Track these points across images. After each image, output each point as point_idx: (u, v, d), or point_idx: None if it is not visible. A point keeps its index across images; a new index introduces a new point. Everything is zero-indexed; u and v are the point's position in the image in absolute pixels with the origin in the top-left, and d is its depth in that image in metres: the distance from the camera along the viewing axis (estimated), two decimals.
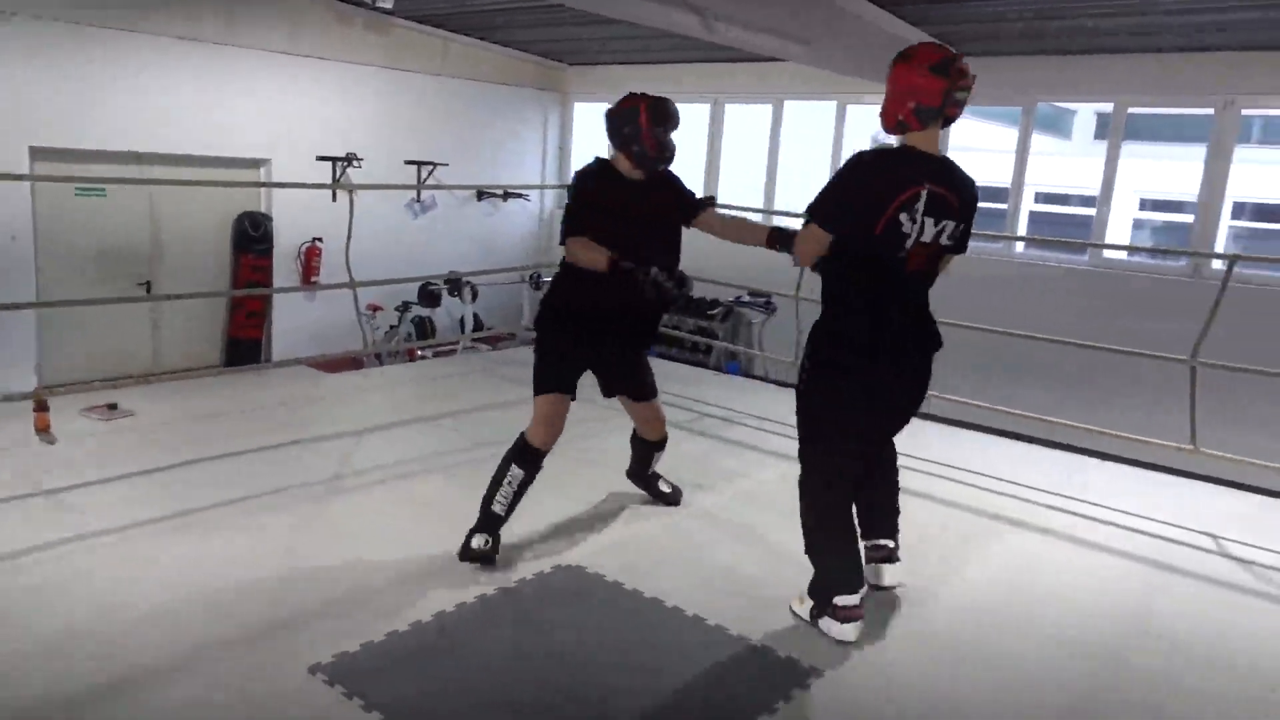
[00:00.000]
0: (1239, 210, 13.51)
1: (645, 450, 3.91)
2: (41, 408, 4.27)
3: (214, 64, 7.81)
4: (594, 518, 3.83)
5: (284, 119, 8.40)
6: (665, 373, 6.27)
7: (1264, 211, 13.56)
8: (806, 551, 3.01)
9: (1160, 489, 4.51)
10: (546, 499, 3.73)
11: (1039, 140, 12.79)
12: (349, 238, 5.82)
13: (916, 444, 5.06)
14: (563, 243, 3.29)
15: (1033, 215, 14.79)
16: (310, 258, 8.68)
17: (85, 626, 2.78)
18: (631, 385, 3.68)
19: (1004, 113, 10.26)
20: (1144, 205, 14.19)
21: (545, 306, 3.47)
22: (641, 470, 3.98)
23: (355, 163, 8.77)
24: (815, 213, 2.79)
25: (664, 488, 4.01)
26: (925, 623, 3.12)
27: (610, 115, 3.34)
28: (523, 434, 3.38)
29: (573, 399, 3.43)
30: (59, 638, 2.71)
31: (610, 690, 2.61)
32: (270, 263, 8.46)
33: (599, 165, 3.43)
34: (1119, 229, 13.96)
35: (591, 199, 3.31)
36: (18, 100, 6.78)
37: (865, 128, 12.05)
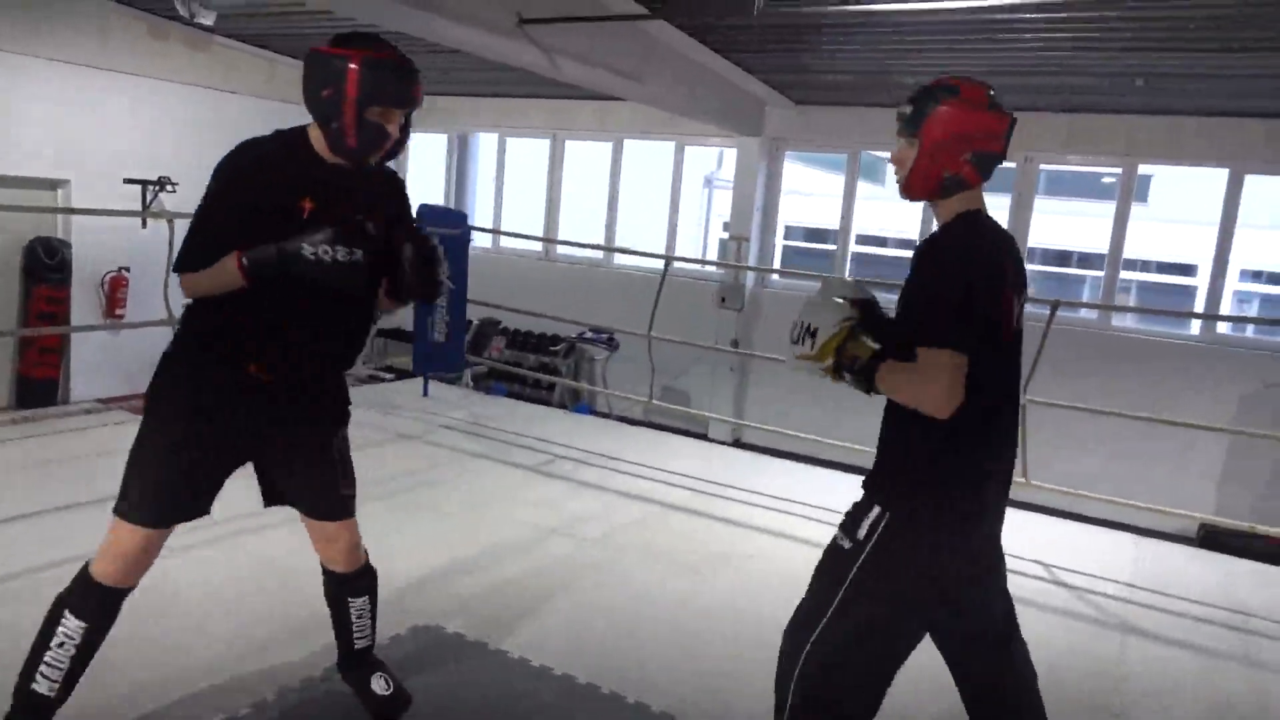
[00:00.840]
0: (1034, 255, 14.93)
1: (340, 596, 2.46)
2: None
3: (7, 72, 7.07)
4: (445, 570, 3.62)
5: (87, 136, 7.70)
6: (511, 411, 6.16)
7: (1057, 257, 15.05)
8: None
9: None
10: (387, 549, 3.49)
11: (861, 186, 13.59)
12: (169, 268, 5.34)
13: (756, 480, 5.14)
14: (178, 270, 2.15)
15: (856, 256, 15.68)
16: (115, 289, 7.96)
17: None
18: (310, 491, 2.35)
19: (830, 159, 10.83)
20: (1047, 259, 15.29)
21: (163, 361, 2.25)
22: (347, 648, 2.52)
23: (169, 187, 8.15)
24: (947, 335, 1.87)
25: (378, 686, 2.50)
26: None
27: (311, 62, 2.12)
28: (85, 568, 2.20)
29: (199, 515, 2.25)
30: None
31: None
32: (68, 294, 7.69)
33: (278, 139, 2.19)
34: None
35: (242, 196, 2.11)
36: None
37: (697, 166, 12.42)
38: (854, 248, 15.71)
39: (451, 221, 5.80)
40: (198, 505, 2.23)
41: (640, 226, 10.55)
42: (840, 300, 2.05)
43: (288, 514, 2.47)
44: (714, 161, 14.38)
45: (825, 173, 12.74)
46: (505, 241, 10.18)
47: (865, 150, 8.97)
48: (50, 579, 3.19)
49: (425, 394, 6.17)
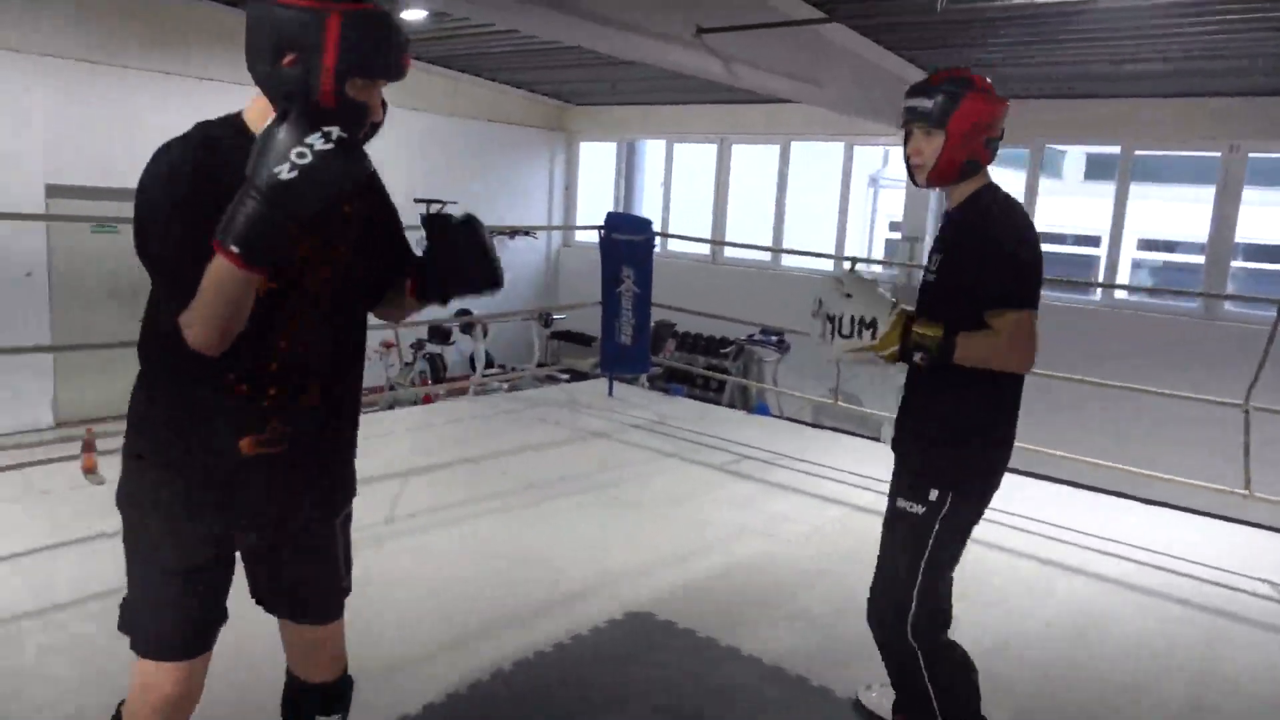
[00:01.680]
0: (1238, 251, 13.78)
1: (312, 714, 1.89)
2: (88, 448, 4.18)
3: (225, 101, 7.83)
4: (650, 563, 3.76)
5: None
6: (693, 411, 6.29)
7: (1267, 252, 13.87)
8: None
9: (1215, 534, 4.52)
10: (591, 541, 3.68)
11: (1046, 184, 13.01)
12: None
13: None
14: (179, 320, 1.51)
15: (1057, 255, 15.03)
16: None
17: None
18: (303, 588, 1.82)
19: (1007, 155, 10.43)
20: (1142, 245, 14.39)
21: (130, 456, 1.69)
22: None
23: None
24: (1025, 298, 2.14)
25: None
26: (993, 676, 3.09)
27: (260, 17, 1.51)
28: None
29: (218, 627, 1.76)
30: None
31: None
32: None
33: (203, 134, 1.57)
34: (1119, 269, 14.17)
35: (196, 204, 1.48)
36: (36, 138, 6.76)
37: (863, 166, 12.23)
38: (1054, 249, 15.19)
39: (637, 227, 5.99)
40: (210, 630, 1.75)
41: (806, 228, 10.52)
42: (882, 291, 2.21)
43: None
44: (879, 160, 14.12)
45: (1007, 170, 12.29)
46: (672, 245, 10.38)
47: (1049, 145, 8.61)
48: None
49: (610, 394, 6.40)
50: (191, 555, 1.67)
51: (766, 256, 9.91)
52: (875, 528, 4.11)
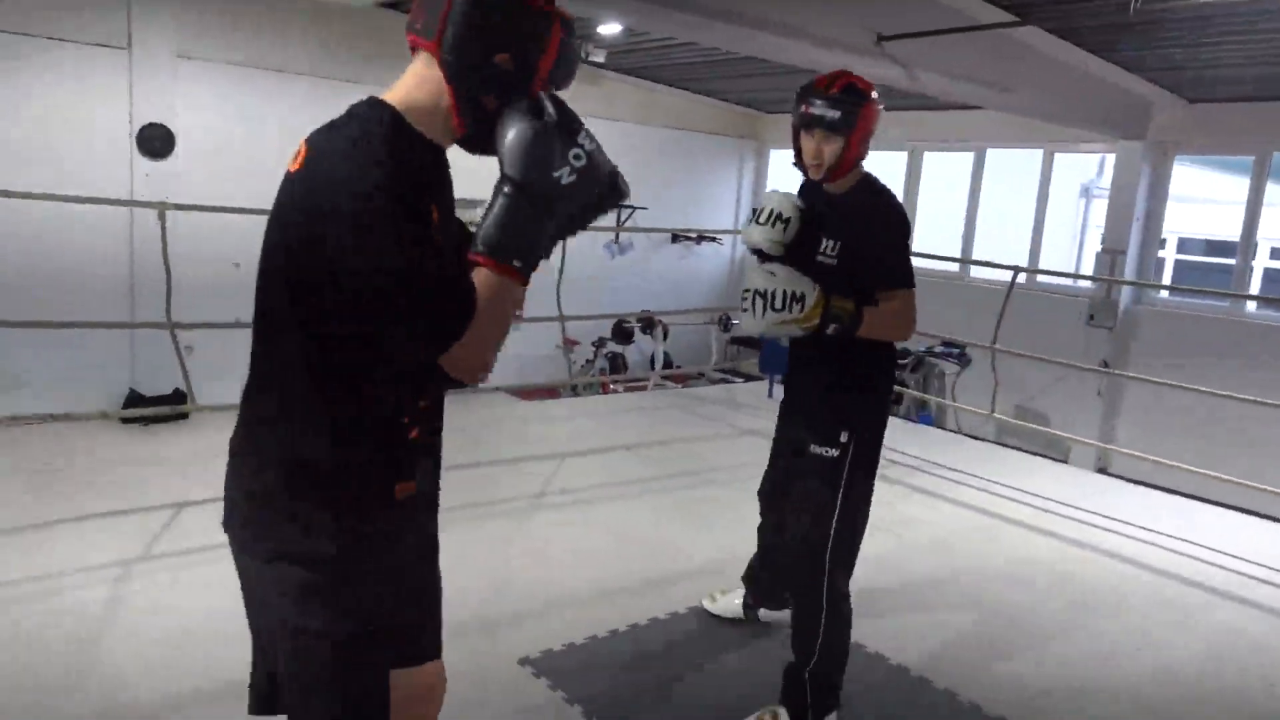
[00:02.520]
0: None
1: None
2: None
3: None
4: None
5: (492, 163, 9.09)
6: None
7: None
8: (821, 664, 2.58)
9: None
10: (737, 528, 3.86)
11: (1274, 191, 11.78)
12: (560, 274, 6.21)
13: (1112, 505, 4.86)
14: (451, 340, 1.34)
15: (1268, 272, 13.59)
16: None
17: None
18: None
19: (1235, 161, 9.58)
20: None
21: (308, 505, 1.41)
22: None
23: None
24: (909, 278, 2.56)
25: None
26: (1130, 689, 3.02)
27: (489, 8, 1.38)
28: None
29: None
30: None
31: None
32: None
33: (391, 131, 1.37)
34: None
35: (424, 214, 1.35)
36: (282, 146, 7.76)
37: (1073, 175, 11.57)
38: (1267, 262, 13.70)
39: None
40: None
41: (1006, 238, 10.11)
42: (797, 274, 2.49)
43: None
44: (1093, 169, 13.30)
45: (1234, 176, 11.27)
46: None
47: (1277, 151, 7.86)
48: None
49: (770, 395, 6.55)
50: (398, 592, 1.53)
51: (954, 267, 9.64)
52: (1008, 535, 4.11)
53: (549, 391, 8.01)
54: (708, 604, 3.28)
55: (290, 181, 1.36)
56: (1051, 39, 6.77)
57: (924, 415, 8.64)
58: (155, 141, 7.05)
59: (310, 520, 1.39)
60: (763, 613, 3.18)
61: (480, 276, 1.35)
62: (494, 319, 1.35)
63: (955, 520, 4.50)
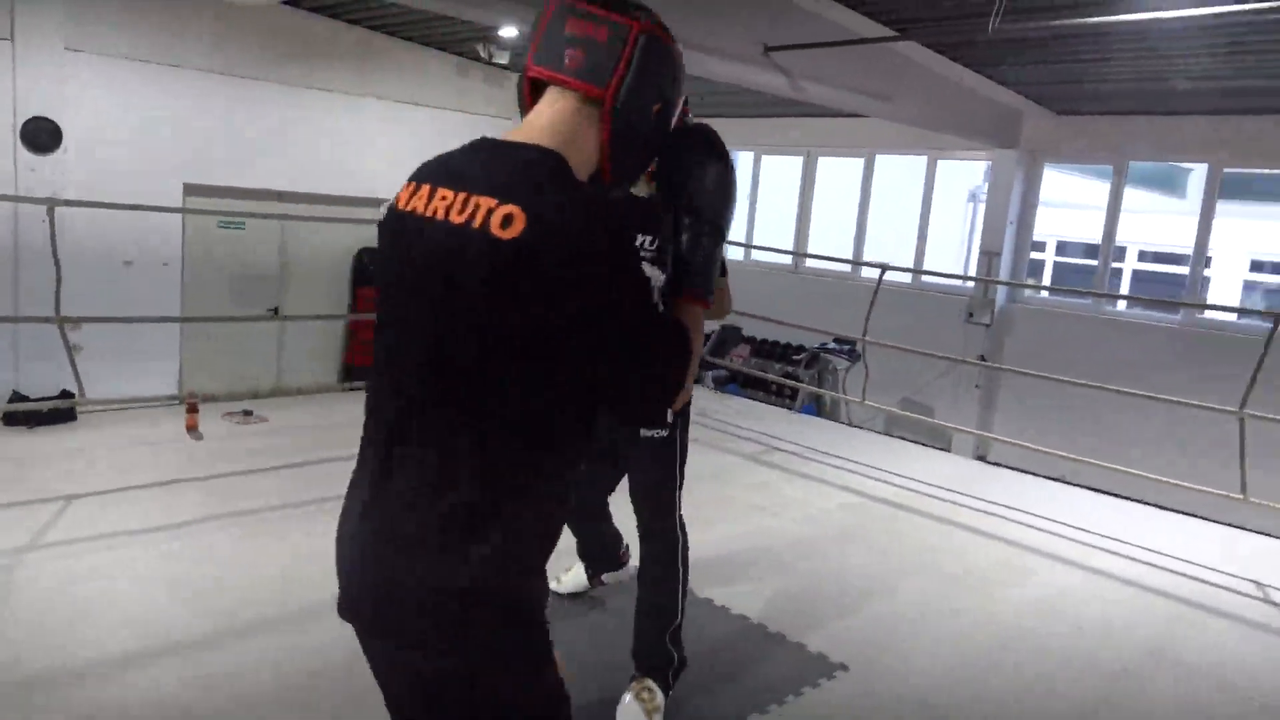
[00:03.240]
0: None
1: None
2: (192, 410, 4.90)
3: (344, 111, 8.62)
4: None
5: (407, 163, 9.10)
6: (740, 409, 6.65)
7: None
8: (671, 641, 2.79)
9: (1209, 535, 4.63)
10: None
11: (1147, 198, 12.61)
12: None
13: (978, 487, 5.27)
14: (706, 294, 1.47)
15: (1136, 274, 14.55)
16: None
17: (229, 581, 3.28)
18: None
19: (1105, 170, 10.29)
20: (1255, 267, 13.80)
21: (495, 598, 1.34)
22: None
23: None
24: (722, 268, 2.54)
25: None
26: (954, 640, 3.34)
27: (663, 55, 1.40)
28: None
29: None
30: (204, 588, 3.22)
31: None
32: None
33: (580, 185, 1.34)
34: (1227, 290, 13.61)
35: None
36: (176, 142, 7.68)
37: (961, 181, 12.19)
38: (1136, 265, 14.68)
39: None
40: None
41: (895, 241, 10.62)
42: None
43: None
44: (980, 175, 14.01)
45: (1099, 181, 12.04)
46: (757, 254, 10.68)
47: (1134, 160, 8.52)
48: None
49: None
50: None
51: (846, 268, 10.09)
52: (874, 511, 4.43)
53: None
54: (555, 586, 3.43)
55: (500, 247, 1.23)
56: (929, 53, 7.22)
57: (807, 406, 9.04)
58: (41, 135, 6.90)
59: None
60: (606, 576, 3.38)
61: (686, 314, 1.41)
62: (695, 352, 1.38)
63: (828, 500, 4.82)
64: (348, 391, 7.09)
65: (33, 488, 4.03)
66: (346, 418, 5.64)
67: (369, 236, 9.21)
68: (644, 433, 2.75)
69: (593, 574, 3.39)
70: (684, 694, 2.81)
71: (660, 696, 2.72)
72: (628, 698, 2.72)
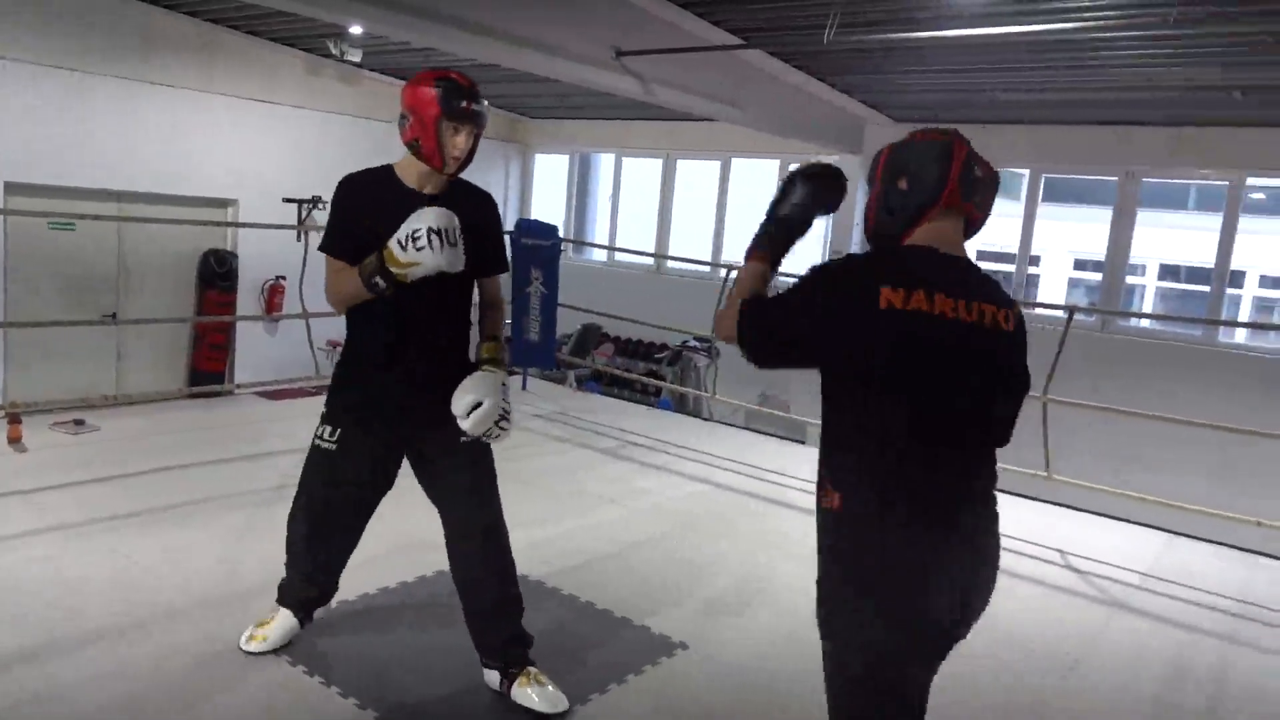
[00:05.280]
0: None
1: None
2: (14, 420, 4.61)
3: (189, 108, 8.27)
4: (518, 524, 4.20)
5: (254, 162, 8.85)
6: (600, 406, 6.77)
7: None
8: None
9: (1017, 511, 5.04)
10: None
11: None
12: (301, 276, 6.24)
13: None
14: None
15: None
16: (273, 295, 9.07)
17: (51, 598, 3.13)
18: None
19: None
20: (1078, 265, 14.95)
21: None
22: None
23: (320, 205, 9.22)
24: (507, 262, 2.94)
25: None
26: (794, 611, 3.56)
27: None
28: None
29: None
30: (26, 603, 3.06)
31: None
32: (234, 298, 8.83)
33: None
34: (1054, 287, 14.71)
35: None
36: None
37: None
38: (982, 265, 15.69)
39: (545, 233, 6.45)
40: None
41: (747, 241, 10.96)
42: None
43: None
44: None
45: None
46: (620, 255, 10.84)
47: None
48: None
49: (524, 388, 6.86)
50: None
51: (706, 268, 10.37)
52: (722, 499, 4.61)
53: (299, 392, 7.90)
54: (256, 646, 2.96)
55: (1008, 337, 1.85)
56: (775, 61, 7.52)
57: (663, 400, 9.27)
58: None
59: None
60: (318, 612, 3.09)
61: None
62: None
63: (678, 489, 4.98)
64: (190, 399, 6.80)
65: None
66: (185, 424, 5.49)
67: (217, 237, 8.87)
68: (464, 438, 2.63)
69: (305, 616, 3.01)
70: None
71: (542, 671, 2.79)
72: (528, 690, 2.73)
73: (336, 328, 8.27)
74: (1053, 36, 5.64)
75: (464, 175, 2.76)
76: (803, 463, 5.84)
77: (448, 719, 2.74)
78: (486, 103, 2.66)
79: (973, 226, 1.92)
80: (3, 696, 2.59)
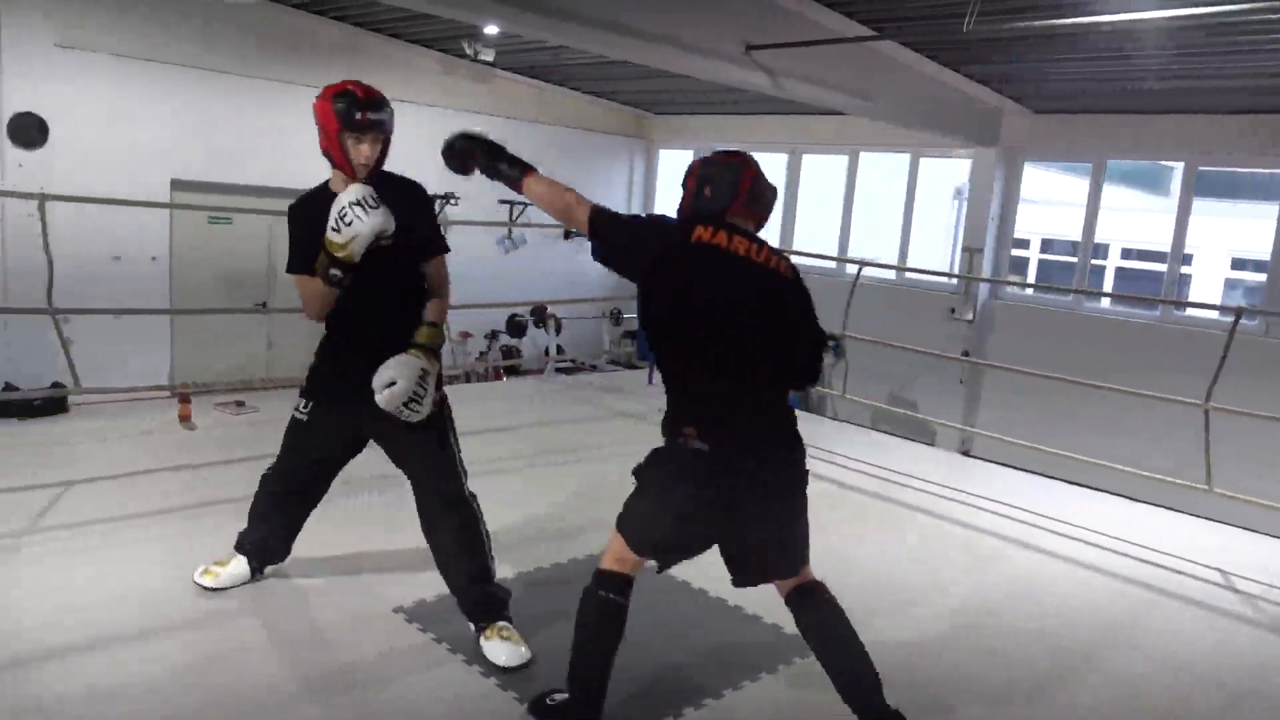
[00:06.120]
0: None
1: None
2: (185, 400, 4.98)
3: None
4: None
5: (393, 160, 9.19)
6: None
7: None
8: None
9: (1176, 525, 4.74)
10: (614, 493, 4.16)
11: (1131, 196, 12.62)
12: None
13: (957, 478, 5.39)
14: None
15: (1120, 271, 14.69)
16: None
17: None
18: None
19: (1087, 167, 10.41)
20: (1236, 265, 13.97)
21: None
22: None
23: (454, 200, 9.52)
24: (445, 244, 3.10)
25: None
26: (923, 620, 3.46)
27: None
28: None
29: None
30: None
31: (632, 645, 3.03)
32: None
33: None
34: (1209, 287, 13.77)
35: None
36: (163, 139, 7.73)
37: (948, 178, 12.31)
38: (1120, 262, 14.82)
39: None
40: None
41: (881, 237, 10.71)
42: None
43: None
44: (966, 173, 14.13)
45: (1080, 179, 12.17)
46: None
47: (1110, 158, 8.64)
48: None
49: (650, 382, 6.90)
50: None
51: (833, 265, 10.19)
52: (851, 500, 4.52)
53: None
54: (209, 581, 3.24)
55: (784, 280, 2.52)
56: (908, 52, 7.33)
57: (792, 399, 9.13)
58: (28, 131, 6.96)
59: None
60: (269, 569, 3.37)
61: None
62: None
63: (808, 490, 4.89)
64: None
65: (25, 476, 4.10)
66: None
67: None
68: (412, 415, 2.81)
69: (258, 567, 3.27)
70: (669, 675, 2.94)
71: (514, 629, 2.94)
72: (495, 643, 2.89)
73: (466, 318, 8.53)
74: (1215, 20, 5.30)
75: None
76: (933, 465, 5.68)
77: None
78: (390, 108, 2.87)
79: (759, 226, 2.57)
80: (189, 655, 2.80)
